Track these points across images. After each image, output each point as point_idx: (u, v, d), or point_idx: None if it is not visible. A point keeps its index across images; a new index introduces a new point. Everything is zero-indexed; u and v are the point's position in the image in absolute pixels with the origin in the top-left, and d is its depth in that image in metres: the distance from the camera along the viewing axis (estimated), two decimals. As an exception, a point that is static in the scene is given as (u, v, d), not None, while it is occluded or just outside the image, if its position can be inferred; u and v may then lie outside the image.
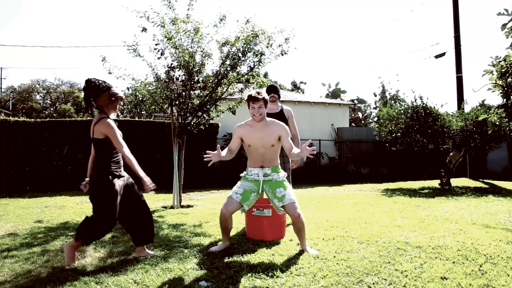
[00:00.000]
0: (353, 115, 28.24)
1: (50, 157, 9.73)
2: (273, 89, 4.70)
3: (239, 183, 3.45)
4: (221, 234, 3.49)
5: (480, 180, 11.49)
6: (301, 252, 3.26)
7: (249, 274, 2.71)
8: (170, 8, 6.02)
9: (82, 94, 36.41)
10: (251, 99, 3.28)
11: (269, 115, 4.32)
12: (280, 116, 4.50)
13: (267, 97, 3.33)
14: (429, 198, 7.06)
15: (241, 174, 3.55)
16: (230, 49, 6.20)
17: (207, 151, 3.25)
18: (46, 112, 34.32)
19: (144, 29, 6.12)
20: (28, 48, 76.99)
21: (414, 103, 9.47)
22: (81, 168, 9.87)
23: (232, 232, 4.06)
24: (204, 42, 6.18)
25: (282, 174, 3.46)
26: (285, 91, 20.57)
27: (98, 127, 2.93)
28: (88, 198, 3.04)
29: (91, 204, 3.07)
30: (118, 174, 3.02)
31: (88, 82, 2.94)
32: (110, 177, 2.95)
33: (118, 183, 2.98)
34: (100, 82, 2.94)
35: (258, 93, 3.29)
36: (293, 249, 3.36)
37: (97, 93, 2.92)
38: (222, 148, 3.35)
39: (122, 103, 3.04)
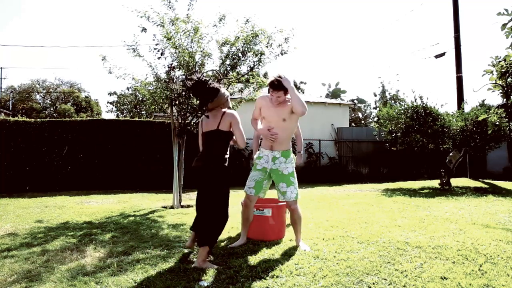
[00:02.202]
0: (353, 115, 28.23)
1: (50, 157, 9.74)
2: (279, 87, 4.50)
3: (250, 173, 3.53)
4: (241, 227, 3.58)
5: (480, 180, 11.48)
6: (301, 252, 3.26)
7: (249, 274, 2.71)
8: (170, 8, 6.02)
9: (82, 94, 36.41)
10: (271, 86, 3.24)
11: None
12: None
13: (288, 84, 3.20)
14: (429, 198, 7.06)
15: (254, 156, 3.61)
16: (230, 49, 6.20)
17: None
18: (46, 112, 34.29)
19: (144, 29, 6.13)
20: (28, 48, 76.96)
21: (414, 103, 9.47)
22: (81, 168, 9.91)
23: (233, 232, 4.06)
24: (204, 42, 6.18)
25: (291, 162, 3.45)
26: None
27: (227, 118, 3.03)
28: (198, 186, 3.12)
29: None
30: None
31: (205, 83, 3.00)
32: (226, 164, 3.10)
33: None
34: (213, 83, 3.07)
35: (279, 81, 3.19)
36: (293, 249, 3.36)
37: (215, 93, 3.03)
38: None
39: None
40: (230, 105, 3.25)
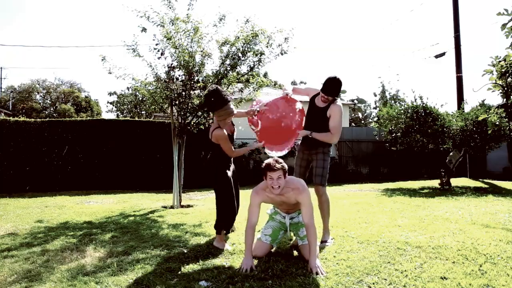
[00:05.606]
0: (353, 115, 28.22)
1: (50, 157, 9.74)
2: (331, 90, 3.77)
3: (267, 223, 3.39)
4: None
5: (480, 180, 11.47)
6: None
7: (249, 274, 2.71)
8: (170, 8, 6.02)
9: (82, 94, 36.40)
10: (268, 169, 2.89)
11: (315, 106, 3.88)
12: (322, 113, 3.79)
13: (285, 166, 2.94)
14: (429, 198, 7.05)
15: (268, 211, 3.51)
16: (230, 48, 6.19)
17: None
18: (46, 112, 34.29)
19: (144, 29, 6.12)
20: (28, 48, 77.04)
21: (414, 103, 9.46)
22: (81, 168, 9.91)
23: (233, 232, 4.06)
24: (204, 42, 6.18)
25: None
26: (285, 91, 20.55)
27: (214, 136, 3.49)
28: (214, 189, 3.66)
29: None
30: (228, 166, 3.64)
31: (217, 92, 3.36)
32: (223, 168, 3.58)
33: (229, 173, 3.60)
34: (226, 96, 3.40)
35: (277, 161, 2.91)
36: (292, 249, 3.36)
37: (220, 105, 3.36)
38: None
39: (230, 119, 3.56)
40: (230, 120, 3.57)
